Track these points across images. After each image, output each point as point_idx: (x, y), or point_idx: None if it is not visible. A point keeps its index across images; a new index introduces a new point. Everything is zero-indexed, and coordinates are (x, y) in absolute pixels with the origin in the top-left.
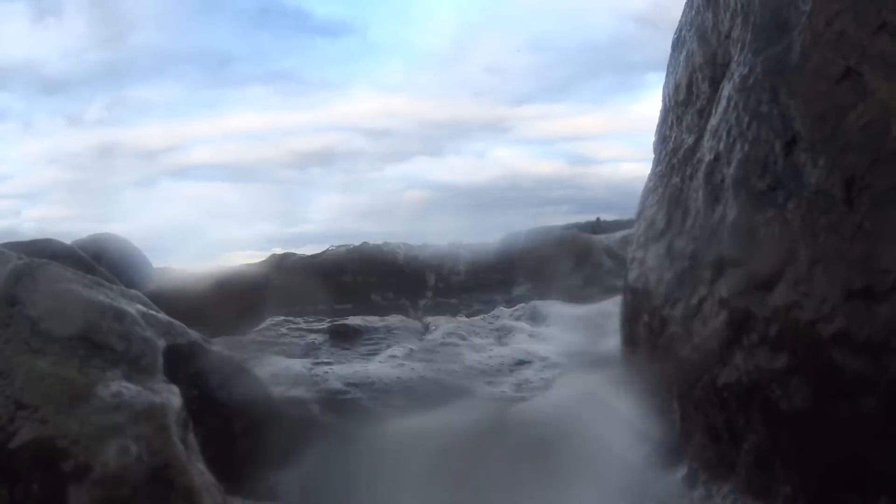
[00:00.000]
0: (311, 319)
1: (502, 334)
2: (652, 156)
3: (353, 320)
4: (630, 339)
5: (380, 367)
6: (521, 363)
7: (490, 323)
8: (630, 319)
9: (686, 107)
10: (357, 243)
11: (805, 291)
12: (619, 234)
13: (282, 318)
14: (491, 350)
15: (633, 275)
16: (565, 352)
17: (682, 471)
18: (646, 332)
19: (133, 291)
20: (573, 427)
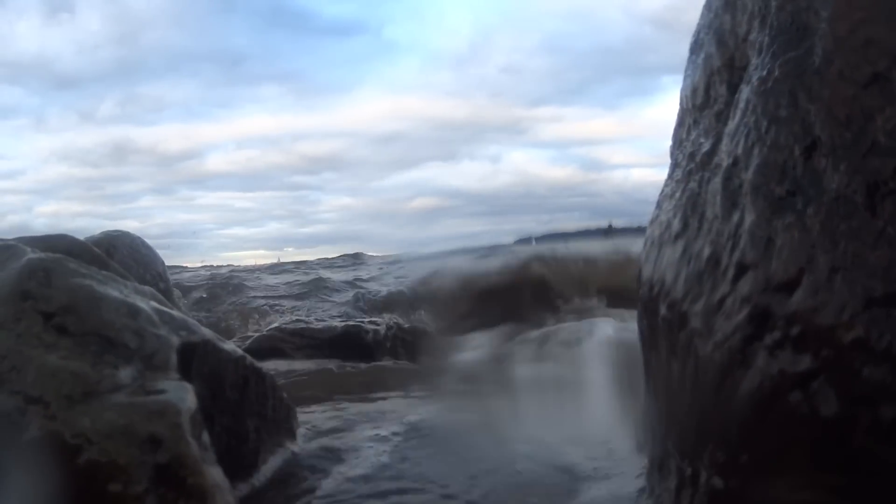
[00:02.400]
0: None
1: None
2: (663, 162)
3: None
4: (648, 334)
5: None
6: None
7: None
8: (647, 314)
9: (703, 110)
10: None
11: (824, 299)
12: None
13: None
14: None
15: (647, 271)
16: None
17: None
18: (665, 326)
19: (147, 288)
20: None
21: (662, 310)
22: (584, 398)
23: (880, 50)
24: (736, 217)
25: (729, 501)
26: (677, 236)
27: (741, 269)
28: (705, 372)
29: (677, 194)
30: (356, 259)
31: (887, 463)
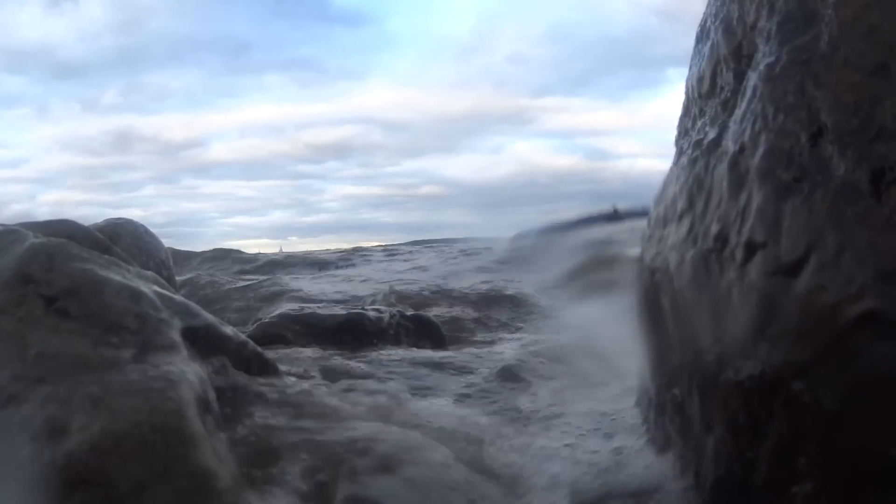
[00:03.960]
0: None
1: None
2: (668, 152)
3: None
4: (648, 324)
5: None
6: None
7: None
8: (648, 302)
9: (710, 99)
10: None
11: (831, 275)
12: None
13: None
14: None
15: (650, 253)
16: None
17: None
18: (666, 317)
19: (149, 273)
20: None
21: (665, 302)
22: None
23: (881, 38)
24: (743, 198)
25: (737, 488)
26: (683, 213)
27: (749, 252)
28: (711, 363)
29: (682, 177)
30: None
31: None
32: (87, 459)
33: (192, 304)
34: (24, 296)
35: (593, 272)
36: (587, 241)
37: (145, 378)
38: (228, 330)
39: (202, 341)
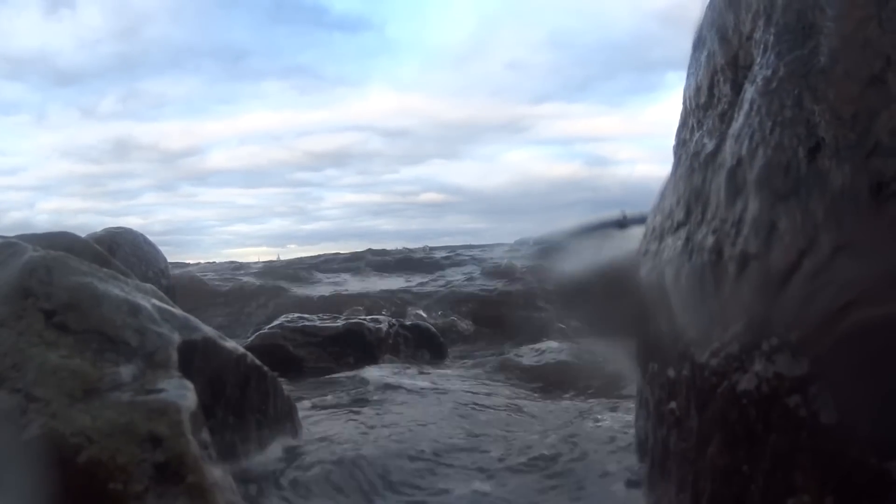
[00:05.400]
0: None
1: None
2: (667, 157)
3: None
4: (646, 337)
5: None
6: None
7: None
8: (643, 319)
9: (707, 110)
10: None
11: (826, 280)
12: None
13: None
14: None
15: (646, 267)
16: None
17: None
18: (663, 330)
19: (148, 286)
20: None
21: (662, 315)
22: None
23: (876, 51)
24: (739, 206)
25: (734, 502)
26: (680, 225)
27: (743, 263)
28: (708, 377)
29: (679, 189)
30: None
31: None
32: (84, 479)
33: (192, 318)
34: (23, 309)
35: None
36: None
37: (144, 396)
38: (228, 343)
39: (201, 356)
